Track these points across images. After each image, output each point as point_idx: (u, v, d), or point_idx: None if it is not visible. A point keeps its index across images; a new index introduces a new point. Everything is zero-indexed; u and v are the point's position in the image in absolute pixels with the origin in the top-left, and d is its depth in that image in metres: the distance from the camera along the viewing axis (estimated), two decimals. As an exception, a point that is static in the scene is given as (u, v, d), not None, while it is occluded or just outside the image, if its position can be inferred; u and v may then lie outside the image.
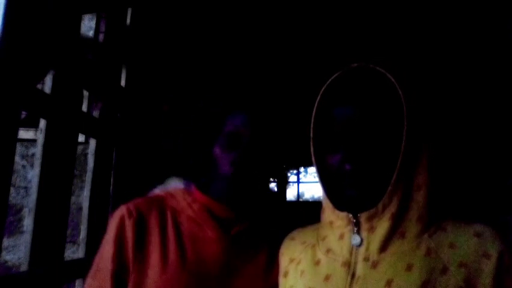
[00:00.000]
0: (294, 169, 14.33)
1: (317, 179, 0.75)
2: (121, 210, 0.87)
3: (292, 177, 14.74)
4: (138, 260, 0.82)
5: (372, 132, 0.68)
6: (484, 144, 3.54)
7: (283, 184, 9.53)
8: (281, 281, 0.82)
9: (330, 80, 0.75)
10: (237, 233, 0.89)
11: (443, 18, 2.50)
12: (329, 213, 0.74)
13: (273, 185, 10.80)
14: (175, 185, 0.98)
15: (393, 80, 0.69)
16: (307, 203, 13.85)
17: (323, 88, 0.75)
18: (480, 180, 3.40)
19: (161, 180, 1.01)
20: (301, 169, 15.22)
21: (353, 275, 0.68)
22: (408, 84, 0.70)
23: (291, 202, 11.42)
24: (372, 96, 0.69)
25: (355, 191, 0.68)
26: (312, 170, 17.10)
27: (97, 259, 0.86)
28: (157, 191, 0.99)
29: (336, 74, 0.75)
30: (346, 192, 0.69)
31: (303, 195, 17.73)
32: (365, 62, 0.73)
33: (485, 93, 3.34)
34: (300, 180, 15.18)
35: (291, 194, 13.77)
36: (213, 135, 0.92)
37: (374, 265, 0.67)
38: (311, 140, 0.75)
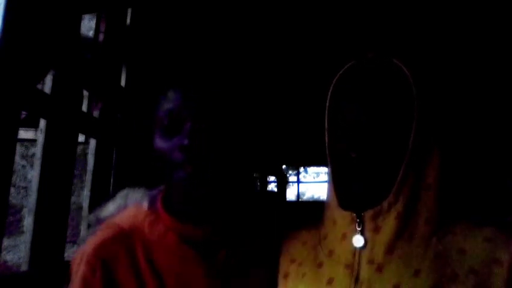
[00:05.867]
0: (294, 169, 14.33)
1: (328, 175, 0.72)
2: (82, 266, 0.69)
3: (292, 177, 14.73)
4: None
5: (381, 123, 0.65)
6: (483, 144, 3.54)
7: (283, 184, 9.52)
8: (281, 282, 0.78)
9: (342, 70, 0.72)
10: (225, 259, 0.74)
11: (458, 17, 2.48)
12: (333, 209, 0.71)
13: (272, 185, 10.81)
14: (134, 201, 0.79)
15: (407, 73, 0.67)
16: (307, 203, 13.84)
17: (336, 78, 0.72)
18: (480, 181, 3.40)
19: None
20: (301, 169, 15.21)
21: (357, 279, 0.64)
22: (423, 79, 0.67)
23: (291, 202, 11.41)
24: (384, 88, 0.67)
25: (359, 181, 0.65)
26: (312, 170, 17.11)
27: None
28: (111, 207, 0.81)
29: (349, 64, 0.72)
30: (350, 183, 0.65)
31: (303, 195, 17.71)
32: (381, 53, 0.70)
33: (484, 93, 3.34)
34: (300, 180, 15.16)
35: (291, 194, 13.78)
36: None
37: (380, 268, 0.63)
38: (326, 131, 0.72)
